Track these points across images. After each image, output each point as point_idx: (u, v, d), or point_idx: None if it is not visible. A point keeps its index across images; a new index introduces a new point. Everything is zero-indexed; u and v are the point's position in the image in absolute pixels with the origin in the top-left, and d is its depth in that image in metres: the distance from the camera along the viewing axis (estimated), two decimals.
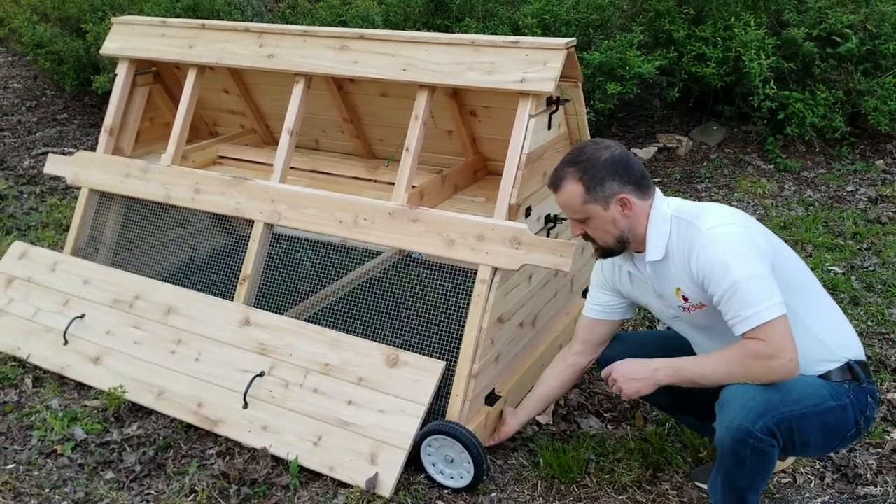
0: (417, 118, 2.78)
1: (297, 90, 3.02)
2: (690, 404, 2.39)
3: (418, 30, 5.27)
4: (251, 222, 3.00)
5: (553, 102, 2.72)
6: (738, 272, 1.92)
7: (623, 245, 2.16)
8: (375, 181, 3.31)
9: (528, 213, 2.70)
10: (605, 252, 2.20)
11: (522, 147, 2.58)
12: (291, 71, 3.01)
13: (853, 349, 2.10)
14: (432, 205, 2.89)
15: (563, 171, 2.13)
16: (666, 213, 2.12)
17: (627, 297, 2.36)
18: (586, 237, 2.20)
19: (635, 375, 2.08)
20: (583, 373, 2.53)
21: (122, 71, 3.42)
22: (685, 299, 2.10)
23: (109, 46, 3.43)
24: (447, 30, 5.31)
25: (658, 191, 2.17)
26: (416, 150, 2.78)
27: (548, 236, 2.86)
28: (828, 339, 2.06)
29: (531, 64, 2.59)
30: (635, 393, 2.09)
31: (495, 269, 2.53)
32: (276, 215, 2.92)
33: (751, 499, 2.05)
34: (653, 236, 2.12)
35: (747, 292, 1.90)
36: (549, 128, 2.76)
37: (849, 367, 2.06)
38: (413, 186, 2.81)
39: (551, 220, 2.87)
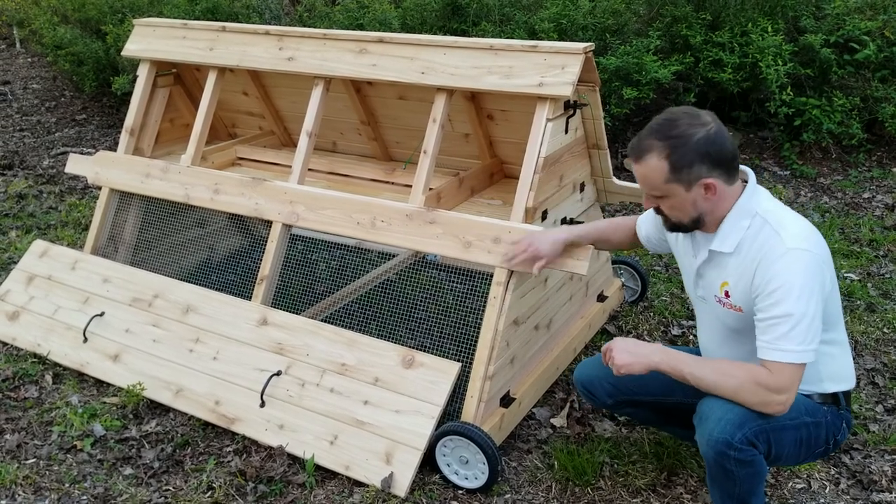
0: (435, 121, 2.80)
1: (316, 93, 3.04)
2: (674, 418, 2.39)
3: (435, 33, 5.29)
4: (269, 223, 3.03)
5: (570, 106, 2.73)
6: (798, 306, 1.86)
7: (697, 225, 2.05)
8: (393, 183, 3.33)
9: (544, 216, 2.71)
10: (674, 227, 2.09)
11: (539, 150, 2.60)
12: (311, 74, 3.03)
13: (845, 383, 2.11)
14: (449, 207, 2.91)
15: (650, 142, 1.96)
16: (752, 209, 1.99)
17: (671, 247, 2.33)
18: (658, 210, 2.08)
19: (633, 350, 2.01)
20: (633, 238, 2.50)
21: (143, 72, 3.46)
22: (727, 295, 2.04)
23: (131, 48, 3.47)
24: (464, 34, 5.33)
25: (752, 176, 2.04)
26: (434, 152, 2.80)
27: None
28: (826, 375, 2.08)
29: (549, 68, 2.61)
30: (626, 367, 2.00)
31: (511, 272, 2.54)
32: (295, 216, 2.95)
33: (754, 502, 2.06)
34: (729, 228, 2.01)
35: (795, 328, 1.87)
36: (567, 132, 2.77)
37: (833, 394, 2.09)
38: (430, 189, 2.83)
39: (567, 224, 2.88)
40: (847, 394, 2.12)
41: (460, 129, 3.26)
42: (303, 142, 3.04)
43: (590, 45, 2.64)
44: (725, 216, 2.01)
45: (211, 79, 3.29)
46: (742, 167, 2.04)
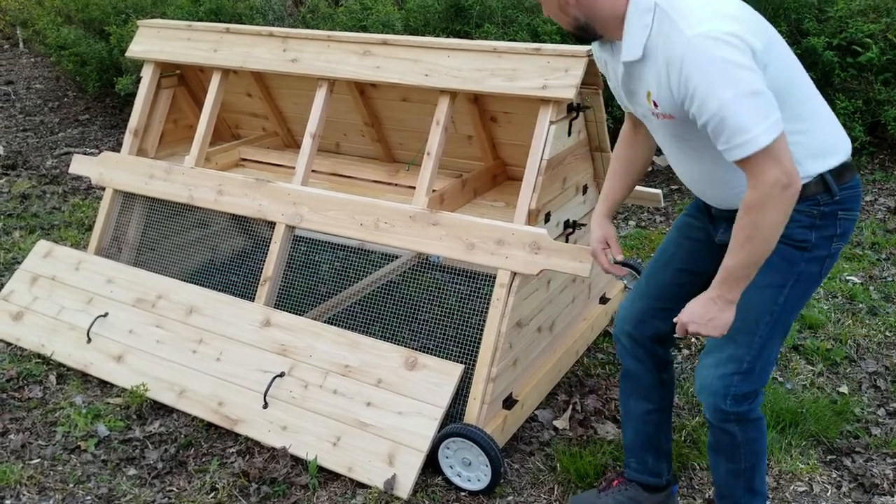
0: (439, 123, 2.80)
1: (320, 94, 3.05)
2: None
3: (438, 35, 5.30)
4: (272, 224, 3.04)
5: (574, 109, 2.73)
6: (726, 93, 1.65)
7: (586, 32, 1.89)
8: (396, 185, 3.33)
9: (547, 218, 2.72)
10: (574, 37, 1.95)
11: (543, 153, 2.60)
12: (315, 75, 3.04)
13: (830, 157, 1.87)
14: (452, 209, 2.92)
15: None
16: (650, 1, 1.76)
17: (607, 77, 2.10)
18: None
19: (712, 315, 1.84)
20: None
21: (147, 73, 3.47)
22: (655, 105, 1.84)
23: (135, 49, 3.48)
24: (467, 35, 5.34)
25: None
26: (437, 154, 2.80)
27: (566, 241, 2.88)
28: (803, 154, 1.84)
29: (552, 71, 2.61)
30: (727, 326, 1.85)
31: (514, 274, 2.55)
32: (298, 217, 2.95)
33: (758, 485, 2.07)
34: (631, 30, 1.79)
35: (739, 115, 1.65)
36: (570, 134, 2.78)
37: (820, 178, 1.86)
38: (433, 190, 2.84)
39: (570, 226, 2.89)
40: (838, 170, 1.87)
41: (463, 130, 3.26)
42: (306, 143, 3.05)
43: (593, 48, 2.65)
44: (625, 20, 1.80)
45: (215, 80, 3.30)
46: None
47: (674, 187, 5.00)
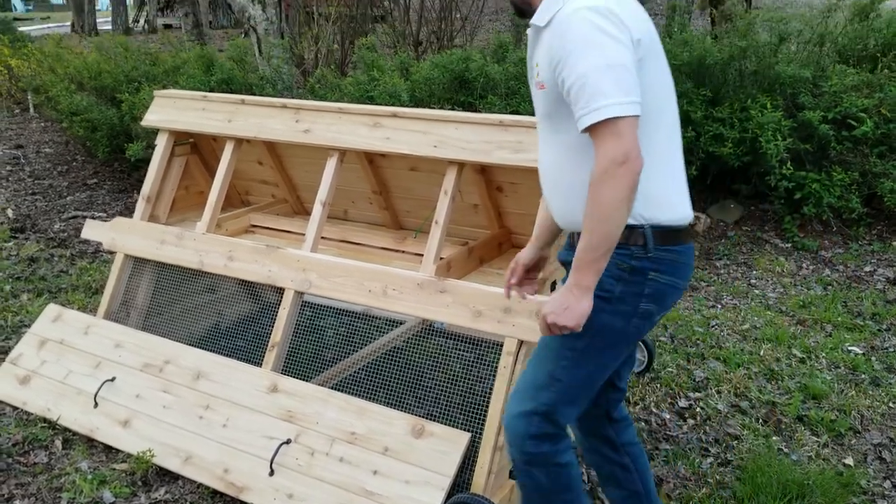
0: (447, 193, 2.87)
1: (331, 164, 3.13)
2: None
3: (442, 106, 5.44)
4: (279, 290, 3.08)
5: None
6: (589, 60, 1.69)
7: (518, 6, 1.96)
8: (403, 252, 3.39)
9: (553, 286, 2.76)
10: (515, 11, 2.01)
11: None
12: (326, 146, 3.12)
13: (659, 210, 1.85)
14: (459, 276, 2.96)
15: None
16: None
17: None
18: None
19: (567, 305, 1.78)
20: None
21: (161, 142, 3.55)
22: (538, 75, 1.88)
23: (151, 118, 3.58)
24: (471, 106, 5.47)
25: None
26: (445, 223, 2.86)
27: None
28: (645, 191, 1.80)
29: None
30: (583, 315, 1.78)
31: (521, 342, 2.58)
32: (307, 283, 3.00)
33: None
34: (545, 2, 1.86)
35: (599, 82, 1.67)
36: None
37: (643, 231, 1.83)
38: (441, 258, 2.89)
39: None
40: (663, 229, 1.85)
41: (469, 199, 3.33)
42: (317, 211, 3.11)
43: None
44: None
45: (228, 149, 3.38)
46: None
47: None
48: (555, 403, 1.95)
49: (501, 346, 2.63)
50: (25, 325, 3.95)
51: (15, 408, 3.19)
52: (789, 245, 5.16)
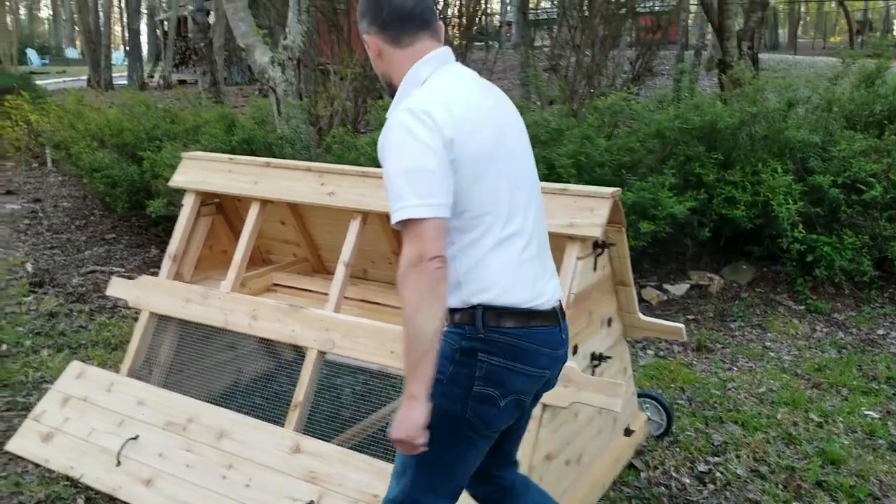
0: None
1: (354, 226, 3.20)
2: None
3: None
4: (303, 349, 3.12)
5: (599, 246, 2.87)
6: (397, 163, 1.76)
7: (388, 87, 1.98)
8: None
9: (574, 350, 2.80)
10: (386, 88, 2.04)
11: (571, 287, 2.71)
12: (350, 208, 3.20)
13: (485, 292, 1.86)
14: None
15: None
16: (420, 78, 1.89)
17: None
18: None
19: (401, 418, 1.76)
20: None
21: (188, 202, 3.64)
22: None
23: (178, 179, 3.66)
24: None
25: (445, 53, 1.93)
26: None
27: (593, 374, 2.95)
28: (464, 275, 1.85)
29: (579, 210, 2.76)
30: (415, 427, 1.74)
31: (544, 406, 2.60)
32: (331, 344, 3.04)
33: None
34: (400, 93, 1.92)
35: (399, 184, 1.74)
36: (595, 269, 2.90)
37: (472, 311, 1.85)
38: None
39: (597, 359, 2.96)
40: (496, 309, 1.86)
41: None
42: (339, 271, 3.17)
43: (617, 190, 2.81)
44: (402, 82, 1.92)
45: (253, 210, 3.46)
46: (443, 49, 1.94)
47: (689, 317, 5.09)
48: (411, 491, 1.92)
49: None
50: (46, 380, 3.98)
51: (38, 465, 3.21)
52: (802, 307, 5.19)
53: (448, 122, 1.79)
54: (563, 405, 2.57)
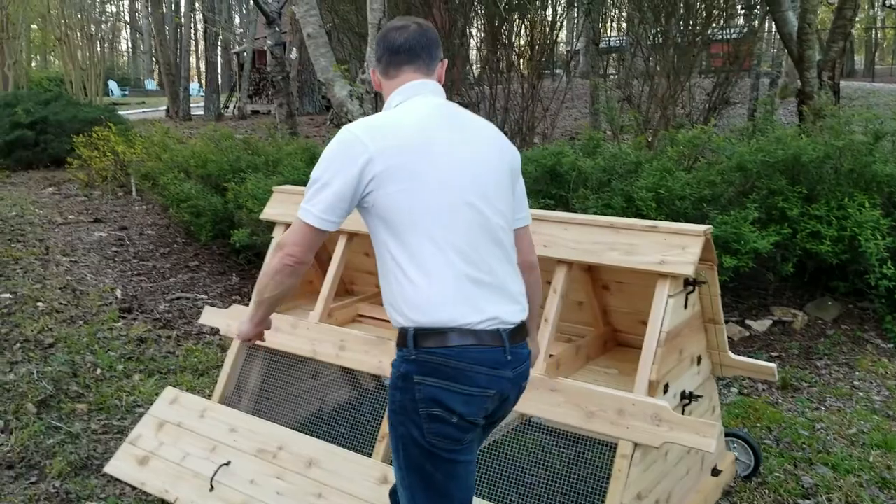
0: (556, 292, 2.94)
1: None
2: None
3: (534, 198, 5.56)
4: (378, 378, 3.16)
5: (690, 283, 2.85)
6: (314, 171, 2.02)
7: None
8: None
9: (665, 389, 2.77)
10: None
11: (662, 325, 2.70)
12: None
13: (419, 314, 1.96)
14: (566, 374, 3.00)
15: None
16: (390, 104, 2.15)
17: None
18: None
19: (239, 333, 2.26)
20: None
21: (278, 234, 3.74)
22: None
23: (270, 212, 3.78)
24: (563, 199, 5.58)
25: (421, 86, 2.12)
26: (555, 321, 2.93)
27: (682, 413, 2.91)
28: (402, 298, 1.98)
29: (670, 247, 2.75)
30: (243, 332, 2.26)
31: (636, 445, 2.59)
32: None
33: None
34: None
35: (308, 191, 2.01)
36: (686, 307, 2.88)
37: (405, 332, 1.97)
38: (550, 355, 2.94)
39: (687, 397, 2.93)
40: (425, 331, 1.95)
41: (574, 296, 3.39)
42: None
43: (709, 227, 2.79)
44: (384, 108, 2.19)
45: (341, 243, 3.54)
46: (422, 81, 2.12)
47: (773, 353, 4.98)
48: None
49: (604, 444, 2.64)
50: (139, 405, 4.12)
51: (134, 488, 3.32)
52: (892, 346, 5.02)
53: (370, 143, 1.96)
54: (656, 445, 2.55)
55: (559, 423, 2.84)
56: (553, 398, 2.78)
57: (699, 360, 3.07)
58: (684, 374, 2.93)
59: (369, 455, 3.05)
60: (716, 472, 3.31)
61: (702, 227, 2.75)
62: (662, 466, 2.81)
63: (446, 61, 2.21)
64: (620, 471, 2.57)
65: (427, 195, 1.97)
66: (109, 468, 3.44)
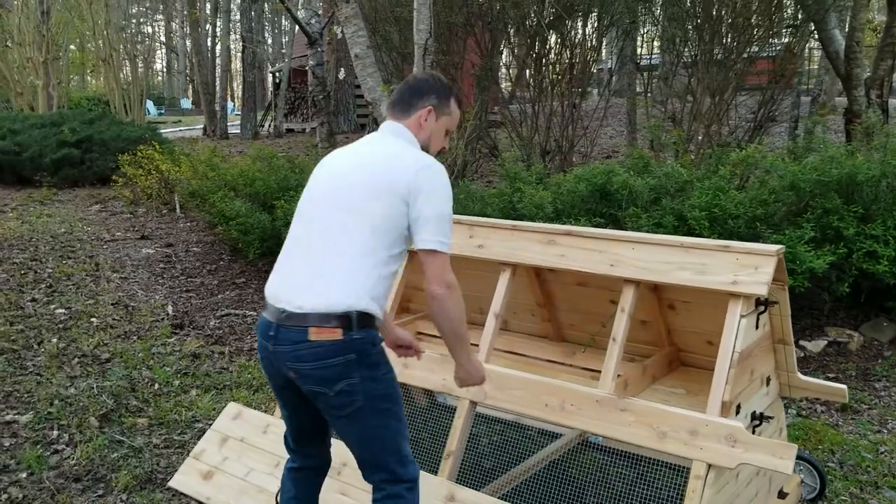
0: (624, 311, 2.94)
1: (504, 278, 3.25)
2: None
3: (584, 215, 5.55)
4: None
5: (762, 303, 2.83)
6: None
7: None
8: (571, 366, 3.44)
9: (737, 410, 2.75)
10: None
11: (734, 345, 2.68)
12: (500, 261, 3.26)
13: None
14: (634, 394, 2.99)
15: None
16: None
17: None
18: None
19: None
20: None
21: None
22: None
23: None
24: (613, 217, 5.57)
25: (384, 124, 2.58)
26: (622, 340, 2.92)
27: (753, 433, 2.88)
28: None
29: (742, 267, 2.74)
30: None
31: (709, 466, 2.56)
32: (483, 394, 3.08)
33: None
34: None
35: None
36: (757, 327, 2.85)
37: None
38: (618, 375, 2.93)
39: (757, 419, 2.90)
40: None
41: (638, 315, 3.38)
42: (490, 323, 3.22)
43: (781, 247, 2.78)
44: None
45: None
46: (385, 123, 2.58)
47: (829, 375, 4.90)
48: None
49: (665, 465, 2.61)
50: (198, 419, 4.17)
51: (199, 502, 3.35)
52: None
53: (328, 158, 2.61)
54: (731, 466, 2.53)
55: (629, 444, 2.82)
56: (623, 417, 2.76)
57: (768, 380, 3.04)
58: (755, 395, 2.91)
59: (434, 472, 3.06)
60: (782, 495, 3.27)
61: (774, 248, 2.74)
62: (734, 487, 2.77)
63: (431, 108, 2.55)
64: (694, 492, 2.55)
65: (306, 201, 2.54)
66: (174, 482, 3.47)
